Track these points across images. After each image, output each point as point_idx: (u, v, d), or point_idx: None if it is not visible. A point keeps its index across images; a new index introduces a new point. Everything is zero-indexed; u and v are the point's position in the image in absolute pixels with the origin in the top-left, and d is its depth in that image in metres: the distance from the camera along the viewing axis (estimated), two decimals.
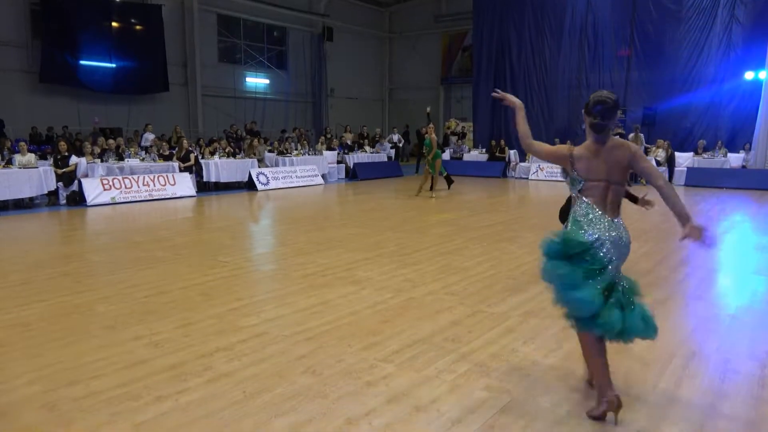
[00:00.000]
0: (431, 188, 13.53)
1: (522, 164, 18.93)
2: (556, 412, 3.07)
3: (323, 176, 17.09)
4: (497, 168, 19.05)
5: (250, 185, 14.98)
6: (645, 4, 18.81)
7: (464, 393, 3.30)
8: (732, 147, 17.15)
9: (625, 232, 3.05)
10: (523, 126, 3.29)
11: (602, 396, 3.00)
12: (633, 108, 19.31)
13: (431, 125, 13.71)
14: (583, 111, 3.09)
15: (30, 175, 11.44)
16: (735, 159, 16.55)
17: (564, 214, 5.26)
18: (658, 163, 16.48)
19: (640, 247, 7.28)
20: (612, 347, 3.94)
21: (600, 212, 3.01)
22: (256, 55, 23.65)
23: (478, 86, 22.54)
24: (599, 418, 3.00)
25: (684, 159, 16.91)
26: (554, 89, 20.87)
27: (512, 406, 3.14)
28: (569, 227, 3.08)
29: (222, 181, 14.72)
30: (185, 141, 14.75)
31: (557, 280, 3.02)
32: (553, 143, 19.80)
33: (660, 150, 16.65)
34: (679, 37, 18.47)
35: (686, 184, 15.99)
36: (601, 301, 2.92)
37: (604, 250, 2.97)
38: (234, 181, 15.05)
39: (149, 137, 16.41)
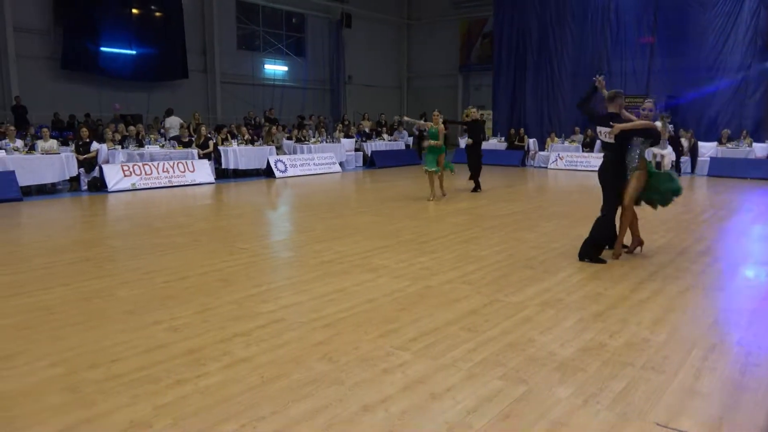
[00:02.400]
0: (441, 186, 11.09)
1: (541, 153, 18.74)
2: (573, 402, 3.06)
3: (341, 164, 17.10)
4: (516, 157, 18.89)
5: (268, 172, 15.05)
6: None
7: (480, 382, 3.30)
8: (757, 137, 16.78)
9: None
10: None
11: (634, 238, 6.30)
12: (656, 96, 18.91)
13: (436, 112, 11.09)
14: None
15: (52, 161, 11.63)
16: (760, 149, 16.14)
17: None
18: (682, 153, 16.18)
19: (661, 238, 7.19)
20: (631, 341, 3.91)
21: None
22: (274, 42, 23.66)
23: (499, 74, 22.30)
24: (631, 251, 6.24)
25: (707, 149, 16.57)
26: (576, 77, 20.50)
27: (528, 395, 3.13)
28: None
29: (240, 168, 14.81)
30: (204, 128, 14.84)
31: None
32: (572, 131, 19.40)
33: (683, 140, 16.34)
34: (704, 24, 18.03)
35: (709, 175, 15.69)
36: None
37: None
38: (252, 168, 15.14)
39: (174, 121, 16.25)
